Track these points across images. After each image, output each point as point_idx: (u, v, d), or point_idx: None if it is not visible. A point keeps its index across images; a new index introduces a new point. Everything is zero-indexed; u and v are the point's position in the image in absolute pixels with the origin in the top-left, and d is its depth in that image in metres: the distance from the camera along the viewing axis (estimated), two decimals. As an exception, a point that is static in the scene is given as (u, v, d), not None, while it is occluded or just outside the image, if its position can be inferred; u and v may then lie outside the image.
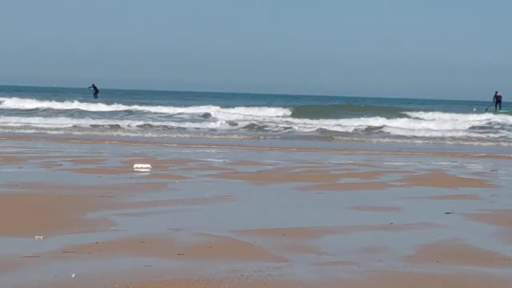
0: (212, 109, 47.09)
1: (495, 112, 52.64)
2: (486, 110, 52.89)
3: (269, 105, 54.58)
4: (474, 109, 55.96)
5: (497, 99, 58.35)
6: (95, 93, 64.61)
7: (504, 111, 53.72)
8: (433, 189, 12.83)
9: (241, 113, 45.56)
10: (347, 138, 33.80)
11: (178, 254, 6.71)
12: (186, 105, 51.31)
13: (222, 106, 48.97)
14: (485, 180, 14.89)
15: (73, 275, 5.78)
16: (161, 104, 52.80)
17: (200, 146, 24.82)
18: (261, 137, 33.53)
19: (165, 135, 32.93)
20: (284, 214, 9.62)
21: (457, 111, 51.45)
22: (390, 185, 13.41)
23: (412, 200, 11.34)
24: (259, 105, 52.63)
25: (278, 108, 49.38)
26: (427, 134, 36.26)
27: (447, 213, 9.84)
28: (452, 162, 20.24)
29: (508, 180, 15.52)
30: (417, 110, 53.15)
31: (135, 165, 14.87)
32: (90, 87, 66.74)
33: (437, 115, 48.50)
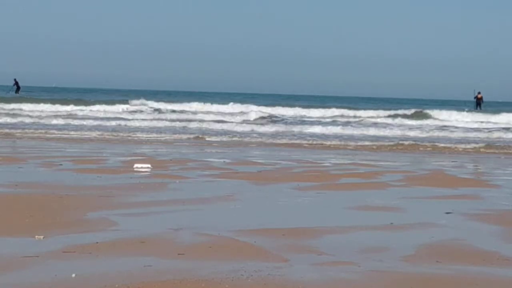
0: None
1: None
2: (467, 111, 51.37)
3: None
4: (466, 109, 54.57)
5: (478, 101, 56.45)
6: (17, 90, 64.79)
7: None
8: (433, 189, 12.83)
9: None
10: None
11: (178, 254, 6.71)
12: None
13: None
14: (485, 180, 14.90)
15: (73, 275, 5.78)
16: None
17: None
18: None
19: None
20: (284, 214, 9.62)
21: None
22: (390, 185, 13.40)
23: (412, 200, 11.34)
24: None
25: None
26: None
27: (447, 213, 9.85)
28: (452, 161, 20.25)
29: (508, 180, 15.53)
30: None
31: (135, 165, 14.88)
32: (14, 84, 66.41)
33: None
